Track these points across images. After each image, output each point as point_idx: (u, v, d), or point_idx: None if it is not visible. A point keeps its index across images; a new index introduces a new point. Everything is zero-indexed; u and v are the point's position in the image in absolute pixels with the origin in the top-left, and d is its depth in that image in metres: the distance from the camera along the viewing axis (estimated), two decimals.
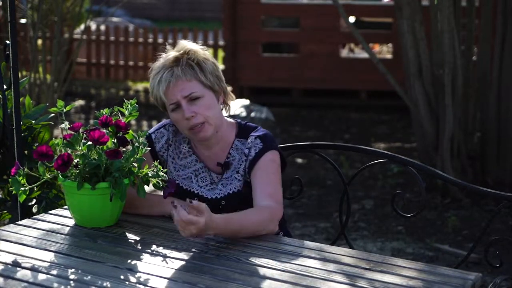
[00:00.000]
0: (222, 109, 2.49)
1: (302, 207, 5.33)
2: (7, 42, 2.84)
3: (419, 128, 5.86)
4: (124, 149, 2.28)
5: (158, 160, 2.43)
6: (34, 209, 2.95)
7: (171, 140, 2.52)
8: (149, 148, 2.41)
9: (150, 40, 10.85)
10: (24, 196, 2.24)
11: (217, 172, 2.48)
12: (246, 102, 7.20)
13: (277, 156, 2.43)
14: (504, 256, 2.53)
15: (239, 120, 2.55)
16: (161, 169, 2.27)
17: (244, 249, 2.14)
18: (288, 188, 2.80)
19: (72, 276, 1.91)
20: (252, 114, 7.72)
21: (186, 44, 2.44)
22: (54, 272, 1.94)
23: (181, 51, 2.42)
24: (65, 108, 2.36)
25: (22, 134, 2.91)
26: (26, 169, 2.24)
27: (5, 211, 3.01)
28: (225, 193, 2.45)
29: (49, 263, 2.00)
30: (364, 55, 9.22)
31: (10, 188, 2.29)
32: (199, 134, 2.40)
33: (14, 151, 2.84)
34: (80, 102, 9.50)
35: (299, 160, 6.76)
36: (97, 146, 2.22)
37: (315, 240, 4.62)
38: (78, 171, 2.22)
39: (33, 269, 1.95)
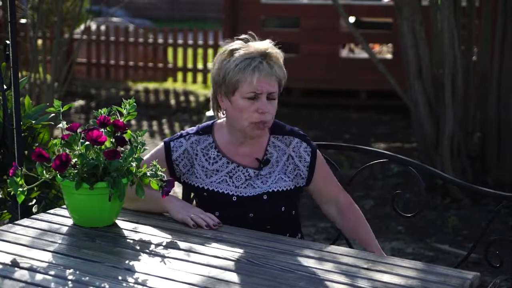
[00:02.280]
0: None
1: (302, 207, 5.31)
2: (7, 42, 2.84)
3: (419, 128, 5.86)
4: (122, 149, 2.27)
5: (169, 170, 2.48)
6: (34, 209, 2.94)
7: (195, 149, 2.53)
8: (148, 148, 2.41)
9: (150, 40, 10.86)
10: (23, 197, 2.24)
11: (254, 168, 2.51)
12: None
13: (318, 151, 2.60)
14: (504, 256, 2.52)
15: None
16: (159, 168, 2.27)
17: (243, 249, 2.14)
18: None
19: (70, 276, 1.90)
20: None
21: (272, 44, 2.51)
22: (52, 272, 1.93)
23: (274, 49, 2.48)
24: (62, 108, 2.35)
25: (22, 134, 2.91)
26: (24, 170, 2.24)
27: (5, 211, 3.01)
28: (267, 190, 2.49)
29: (47, 263, 1.99)
30: (364, 55, 9.22)
31: (9, 189, 2.29)
32: (257, 131, 2.45)
33: (14, 151, 2.84)
34: (80, 102, 9.49)
35: None
36: (95, 146, 2.21)
37: (315, 240, 4.62)
38: (76, 171, 2.21)
39: (31, 269, 1.95)
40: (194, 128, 2.59)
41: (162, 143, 2.56)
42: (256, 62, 2.42)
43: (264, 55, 2.44)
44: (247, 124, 2.44)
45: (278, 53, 2.49)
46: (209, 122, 2.59)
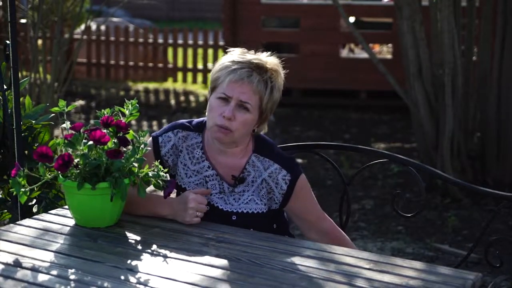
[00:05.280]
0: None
1: None
2: (7, 42, 2.84)
3: (419, 128, 5.86)
4: (124, 149, 2.28)
5: (159, 161, 2.44)
6: (34, 209, 2.94)
7: (181, 146, 2.50)
8: (149, 148, 2.41)
9: (150, 40, 10.86)
10: (25, 197, 2.24)
11: (229, 183, 2.48)
12: None
13: (304, 178, 2.49)
14: (504, 256, 2.53)
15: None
16: (161, 169, 2.27)
17: (244, 249, 2.15)
18: None
19: (72, 276, 1.91)
20: None
21: (277, 63, 2.45)
22: (54, 272, 1.94)
23: (271, 66, 2.42)
24: (66, 108, 2.36)
25: (22, 134, 2.91)
26: (26, 170, 2.24)
27: (5, 211, 3.01)
28: (238, 209, 2.46)
29: (49, 263, 1.99)
30: (364, 55, 9.22)
31: (11, 189, 2.29)
32: (219, 134, 2.40)
33: (14, 151, 2.84)
34: (80, 102, 9.49)
35: (299, 160, 6.76)
36: (98, 146, 2.22)
37: None
38: (78, 171, 2.22)
39: (33, 269, 1.95)
40: (185, 122, 2.55)
41: (150, 138, 2.53)
42: (238, 66, 2.38)
43: (253, 65, 2.39)
44: (211, 125, 2.41)
45: (274, 70, 2.42)
46: (203, 119, 2.55)
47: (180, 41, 10.75)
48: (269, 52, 2.48)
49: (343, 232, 2.62)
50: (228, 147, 2.45)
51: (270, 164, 2.46)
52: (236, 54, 2.45)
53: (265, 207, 2.47)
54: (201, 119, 2.57)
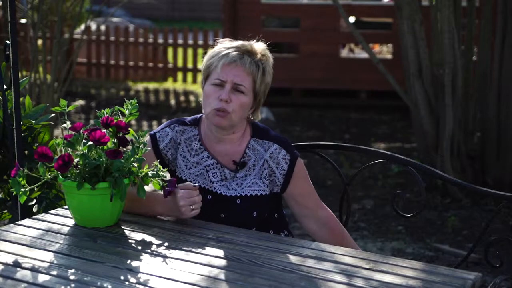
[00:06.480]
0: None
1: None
2: (7, 42, 2.84)
3: (419, 128, 5.86)
4: (124, 149, 2.28)
5: (159, 160, 2.44)
6: (34, 209, 2.95)
7: (179, 139, 2.54)
8: (149, 148, 2.41)
9: (150, 40, 10.86)
10: (25, 197, 2.24)
11: (231, 169, 2.51)
12: None
13: (302, 162, 2.55)
14: (504, 256, 2.53)
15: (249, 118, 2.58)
16: (161, 168, 2.28)
17: (244, 249, 2.15)
18: None
19: (72, 277, 1.91)
20: None
21: (265, 48, 2.53)
22: (54, 272, 1.94)
23: (260, 50, 2.50)
24: (67, 108, 2.36)
25: (22, 134, 2.91)
26: (26, 170, 2.24)
27: (5, 211, 3.01)
28: (241, 193, 2.49)
29: (49, 263, 1.99)
30: (364, 55, 9.22)
31: (11, 189, 2.29)
32: (218, 118, 2.44)
33: (14, 151, 2.84)
34: (80, 102, 9.49)
35: None
36: (98, 146, 2.22)
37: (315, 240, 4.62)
38: (78, 171, 2.22)
39: (33, 269, 1.95)
40: (181, 118, 2.61)
41: (148, 136, 2.56)
42: (230, 50, 2.45)
43: (243, 48, 2.46)
44: (209, 111, 2.45)
45: (263, 54, 2.49)
46: (198, 115, 2.60)
47: (180, 41, 10.75)
48: (254, 40, 2.55)
49: (342, 225, 2.64)
50: (226, 133, 2.49)
51: (270, 145, 2.52)
52: (228, 42, 2.52)
53: (267, 188, 2.51)
54: (195, 115, 2.62)
